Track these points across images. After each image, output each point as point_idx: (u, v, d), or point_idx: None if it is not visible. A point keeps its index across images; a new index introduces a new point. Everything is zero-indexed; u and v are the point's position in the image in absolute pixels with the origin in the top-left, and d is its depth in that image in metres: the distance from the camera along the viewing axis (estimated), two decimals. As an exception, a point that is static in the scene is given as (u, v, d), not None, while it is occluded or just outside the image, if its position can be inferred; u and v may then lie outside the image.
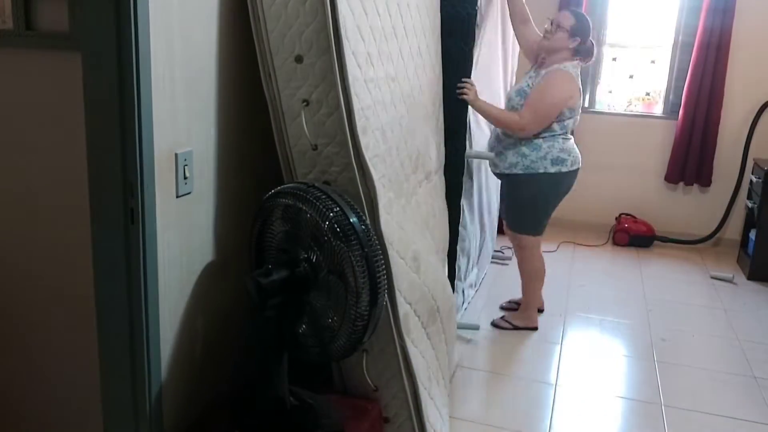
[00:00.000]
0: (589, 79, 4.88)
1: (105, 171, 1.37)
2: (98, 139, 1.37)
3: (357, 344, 1.56)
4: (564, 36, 2.88)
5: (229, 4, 1.62)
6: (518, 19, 3.15)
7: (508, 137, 3.00)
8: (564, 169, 2.94)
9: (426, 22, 2.25)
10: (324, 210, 1.49)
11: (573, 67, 2.91)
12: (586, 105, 4.92)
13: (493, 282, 3.85)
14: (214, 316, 1.73)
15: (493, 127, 3.10)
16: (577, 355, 3.02)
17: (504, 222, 3.34)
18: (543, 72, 2.93)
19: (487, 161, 3.12)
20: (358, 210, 1.56)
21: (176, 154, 1.48)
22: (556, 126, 2.91)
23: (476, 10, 2.49)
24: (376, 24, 1.81)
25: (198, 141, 1.57)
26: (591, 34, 2.95)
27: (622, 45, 4.94)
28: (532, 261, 3.19)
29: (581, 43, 2.90)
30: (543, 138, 2.91)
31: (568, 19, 2.90)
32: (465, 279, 3.16)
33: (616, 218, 4.93)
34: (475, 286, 3.56)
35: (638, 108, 5.02)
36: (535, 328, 3.23)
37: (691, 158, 4.70)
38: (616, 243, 4.77)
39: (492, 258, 4.10)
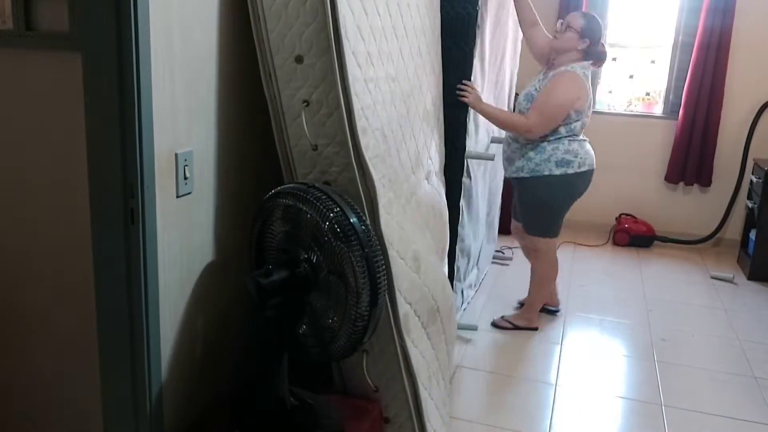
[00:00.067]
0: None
1: (105, 171, 1.37)
2: (98, 139, 1.37)
3: (357, 344, 1.56)
4: (573, 36, 2.88)
5: (229, 4, 1.62)
6: (527, 23, 3.14)
7: (515, 142, 3.01)
8: (570, 171, 2.93)
9: (426, 22, 2.25)
10: (324, 210, 1.49)
11: (581, 68, 2.91)
12: (586, 105, 4.91)
13: (493, 282, 3.85)
14: (214, 316, 1.73)
15: (498, 129, 3.10)
16: (577, 355, 3.02)
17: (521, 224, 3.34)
18: (551, 74, 2.94)
19: (491, 162, 3.13)
20: (358, 210, 1.55)
21: (176, 154, 1.48)
22: (562, 129, 2.91)
23: (476, 10, 2.49)
24: (376, 24, 1.81)
25: (198, 141, 1.57)
26: (602, 38, 2.95)
27: (622, 45, 4.94)
28: (544, 264, 3.19)
29: (591, 46, 2.90)
30: (548, 141, 2.92)
31: (578, 20, 2.90)
32: (464, 279, 3.16)
33: (617, 218, 4.93)
34: (475, 286, 3.56)
35: (638, 108, 5.02)
36: (536, 329, 3.23)
37: (691, 158, 4.70)
38: (617, 243, 4.77)
39: (492, 258, 4.10)
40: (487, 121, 2.98)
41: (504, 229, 4.14)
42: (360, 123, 1.68)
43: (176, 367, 1.58)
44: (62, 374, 1.77)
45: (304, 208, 1.52)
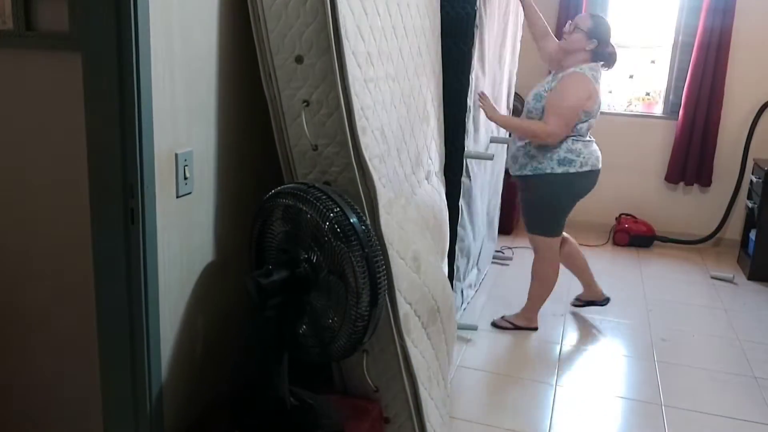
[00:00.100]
0: (589, 79, 4.88)
1: (105, 171, 1.37)
2: (98, 139, 1.37)
3: (357, 344, 1.56)
4: (581, 37, 2.89)
5: (229, 4, 1.62)
6: (539, 34, 3.19)
7: (520, 139, 3.01)
8: (572, 170, 2.93)
9: (426, 22, 2.25)
10: (324, 210, 1.49)
11: (590, 69, 2.91)
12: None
13: (493, 282, 3.85)
14: (214, 316, 1.73)
15: (498, 128, 3.10)
16: (577, 355, 3.02)
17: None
18: (560, 75, 2.94)
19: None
20: (358, 210, 1.55)
21: (176, 155, 1.48)
22: None
23: (476, 10, 2.49)
24: (376, 24, 1.81)
25: (198, 141, 1.57)
26: (611, 39, 2.95)
27: (622, 45, 4.92)
28: (544, 265, 3.18)
29: (599, 46, 2.91)
30: None
31: (586, 21, 2.92)
32: (464, 279, 3.16)
33: (617, 218, 4.93)
34: (475, 286, 3.56)
35: (638, 108, 5.02)
36: (536, 329, 3.23)
37: (691, 158, 4.70)
38: (617, 243, 4.77)
39: (492, 258, 4.10)
40: (486, 120, 2.98)
41: (504, 229, 4.14)
42: (360, 123, 1.68)
43: (176, 367, 1.58)
44: (62, 374, 1.77)
45: (304, 208, 1.52)
